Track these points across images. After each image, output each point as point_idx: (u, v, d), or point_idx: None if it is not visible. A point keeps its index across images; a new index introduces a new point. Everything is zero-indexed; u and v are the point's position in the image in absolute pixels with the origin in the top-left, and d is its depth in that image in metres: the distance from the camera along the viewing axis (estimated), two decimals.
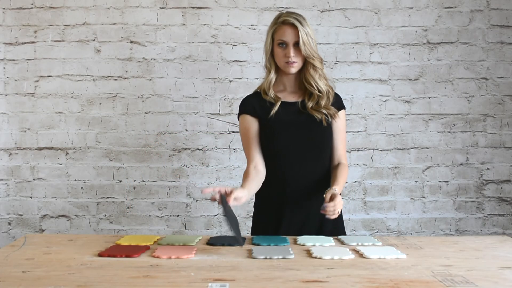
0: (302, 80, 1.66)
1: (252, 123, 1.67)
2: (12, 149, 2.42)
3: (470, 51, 2.43)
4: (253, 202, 2.44)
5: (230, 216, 1.34)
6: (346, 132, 1.97)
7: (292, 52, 1.59)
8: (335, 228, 1.68)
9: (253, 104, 1.68)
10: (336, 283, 1.02)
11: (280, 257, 1.22)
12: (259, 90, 1.71)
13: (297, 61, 1.61)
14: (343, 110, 1.72)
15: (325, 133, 1.64)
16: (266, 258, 1.21)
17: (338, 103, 1.70)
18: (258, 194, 1.75)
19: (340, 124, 1.68)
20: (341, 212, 1.74)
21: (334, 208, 1.46)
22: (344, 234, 1.72)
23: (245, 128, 1.69)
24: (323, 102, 1.63)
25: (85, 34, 2.41)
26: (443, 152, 2.44)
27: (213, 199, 1.41)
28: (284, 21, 1.61)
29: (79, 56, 2.41)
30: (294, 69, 1.62)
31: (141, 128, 2.42)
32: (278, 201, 1.66)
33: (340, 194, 1.54)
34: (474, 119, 2.45)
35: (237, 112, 2.43)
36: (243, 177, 1.64)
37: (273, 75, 1.67)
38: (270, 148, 1.64)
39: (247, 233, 2.41)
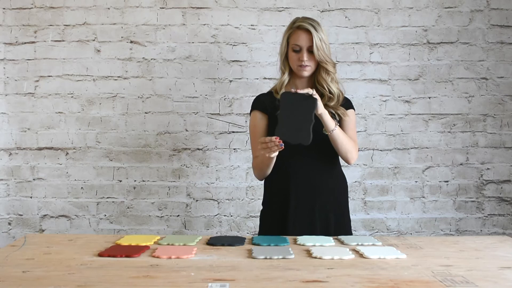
0: (315, 82, 1.71)
1: (261, 120, 1.74)
2: (12, 149, 2.42)
3: (470, 51, 2.43)
4: (254, 202, 2.45)
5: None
6: None
7: (305, 57, 1.66)
8: (342, 227, 1.70)
9: (264, 101, 1.76)
10: (336, 283, 1.02)
11: (280, 257, 1.22)
12: (272, 90, 1.78)
13: (310, 65, 1.68)
14: (352, 110, 1.79)
15: None
16: (266, 258, 1.21)
17: (347, 104, 1.78)
18: (265, 191, 1.79)
19: (349, 121, 1.74)
20: (348, 211, 1.77)
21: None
22: (351, 233, 1.75)
23: (253, 124, 1.76)
24: (332, 103, 1.69)
25: (85, 34, 2.41)
26: (443, 152, 2.44)
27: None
28: (299, 26, 1.67)
29: (79, 56, 2.41)
30: (306, 72, 1.68)
31: (141, 128, 2.42)
32: (283, 197, 1.68)
33: (333, 130, 1.59)
34: (474, 119, 2.44)
35: (238, 112, 2.47)
36: (256, 166, 1.72)
37: (286, 77, 1.74)
38: None
39: (247, 233, 2.41)
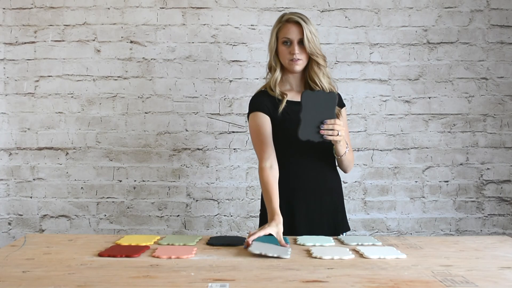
0: (307, 79, 1.69)
1: (265, 120, 1.66)
2: (12, 149, 2.42)
3: (470, 51, 2.43)
4: (254, 202, 2.43)
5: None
6: None
7: (296, 49, 1.62)
8: (343, 224, 1.72)
9: (264, 102, 1.69)
10: (336, 283, 1.02)
11: (275, 255, 1.21)
12: (264, 89, 1.73)
13: (301, 58, 1.64)
14: (344, 108, 1.78)
15: None
16: (261, 254, 1.21)
17: (339, 101, 1.74)
18: None
19: (342, 121, 1.72)
20: (343, 204, 1.76)
21: (333, 126, 1.44)
22: (349, 228, 1.75)
23: (258, 125, 1.65)
24: None
25: (85, 34, 2.41)
26: (443, 152, 2.44)
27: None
28: (289, 19, 1.65)
29: (79, 56, 2.41)
30: (298, 66, 1.65)
31: (141, 128, 2.42)
32: (286, 197, 1.66)
33: (344, 153, 1.61)
34: (474, 119, 2.44)
35: (238, 112, 2.43)
36: (262, 180, 1.57)
37: (278, 74, 1.70)
38: (277, 145, 1.64)
39: (247, 233, 2.41)
